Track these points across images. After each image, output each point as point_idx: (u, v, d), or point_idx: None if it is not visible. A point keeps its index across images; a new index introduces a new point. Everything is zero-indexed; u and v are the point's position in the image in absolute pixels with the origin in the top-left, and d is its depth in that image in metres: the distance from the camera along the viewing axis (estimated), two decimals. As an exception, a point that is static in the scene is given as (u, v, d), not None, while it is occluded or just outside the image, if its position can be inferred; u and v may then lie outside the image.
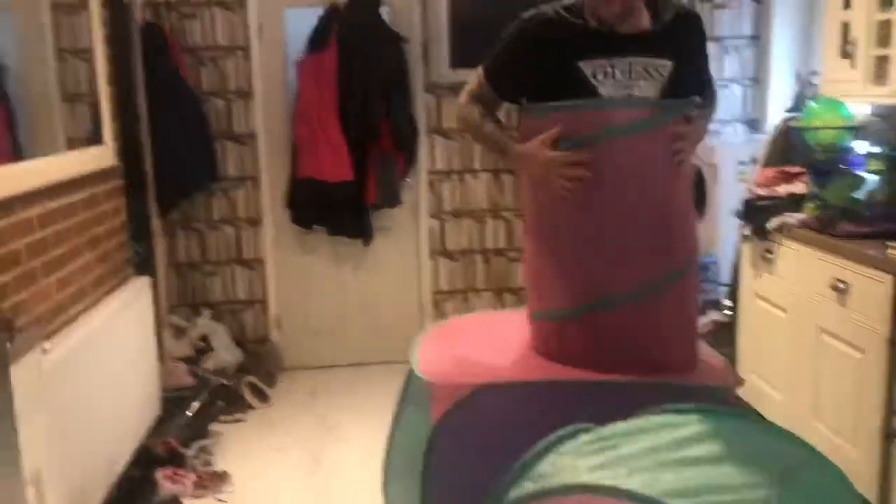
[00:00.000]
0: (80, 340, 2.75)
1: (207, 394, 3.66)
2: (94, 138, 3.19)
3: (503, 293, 4.60)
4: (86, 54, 3.20)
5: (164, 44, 3.89)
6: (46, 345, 2.44)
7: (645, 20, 1.98)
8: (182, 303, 4.39)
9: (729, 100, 4.44)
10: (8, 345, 2.07)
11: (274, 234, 4.41)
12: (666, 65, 1.97)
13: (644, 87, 1.96)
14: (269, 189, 4.35)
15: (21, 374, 2.11)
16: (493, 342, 2.28)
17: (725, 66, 4.47)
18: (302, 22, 4.14)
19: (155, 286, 3.74)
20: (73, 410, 2.59)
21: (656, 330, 2.03)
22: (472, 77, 2.14)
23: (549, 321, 2.10)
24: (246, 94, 4.26)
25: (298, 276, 4.47)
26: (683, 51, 2.01)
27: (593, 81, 1.94)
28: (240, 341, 4.35)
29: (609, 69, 1.94)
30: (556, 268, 2.06)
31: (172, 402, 3.56)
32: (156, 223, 3.79)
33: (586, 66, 1.94)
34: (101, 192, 3.20)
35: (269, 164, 4.33)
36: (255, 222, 4.39)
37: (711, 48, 2.80)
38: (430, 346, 2.28)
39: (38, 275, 2.62)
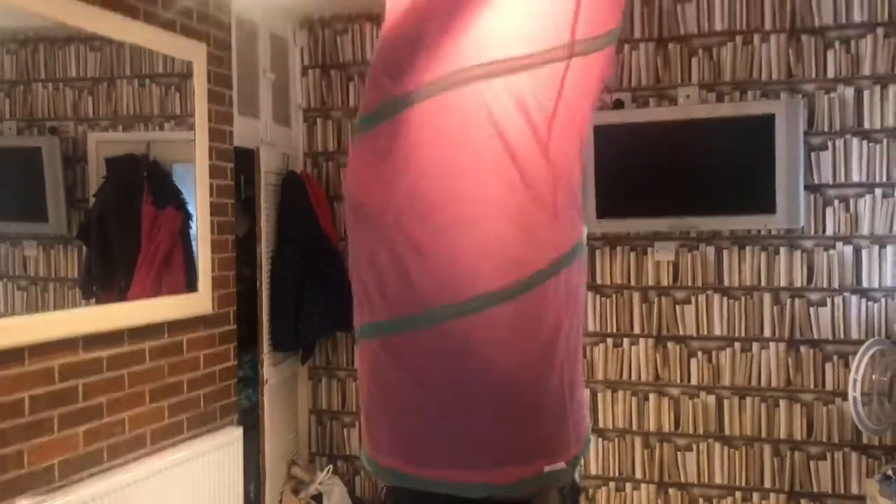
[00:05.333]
0: (118, 490, 2.68)
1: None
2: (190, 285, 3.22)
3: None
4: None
5: (304, 193, 3.91)
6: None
7: None
8: (321, 453, 4.25)
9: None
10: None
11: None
12: None
13: None
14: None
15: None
16: None
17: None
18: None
19: (259, 437, 3.63)
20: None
21: None
22: None
23: None
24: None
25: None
26: None
27: None
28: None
29: None
30: None
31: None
32: (268, 371, 3.71)
33: None
34: (188, 340, 3.19)
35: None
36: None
37: None
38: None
39: (91, 415, 2.68)
